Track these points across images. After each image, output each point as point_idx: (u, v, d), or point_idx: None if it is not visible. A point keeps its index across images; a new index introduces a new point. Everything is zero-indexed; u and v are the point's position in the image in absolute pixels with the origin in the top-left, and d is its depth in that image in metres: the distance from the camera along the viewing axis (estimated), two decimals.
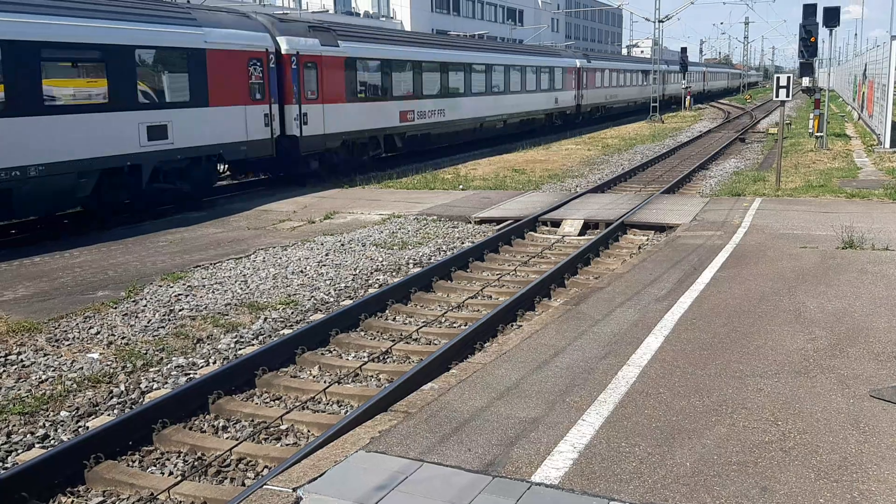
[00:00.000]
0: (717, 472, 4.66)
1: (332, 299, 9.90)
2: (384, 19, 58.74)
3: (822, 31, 24.71)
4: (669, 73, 63.96)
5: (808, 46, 23.48)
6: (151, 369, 7.62)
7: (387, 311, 9.50)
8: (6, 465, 5.89)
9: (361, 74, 21.79)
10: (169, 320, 8.90)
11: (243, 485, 5.64)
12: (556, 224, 14.37)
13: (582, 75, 41.40)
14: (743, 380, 6.10)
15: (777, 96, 16.69)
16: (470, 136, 29.24)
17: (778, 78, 16.68)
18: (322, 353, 8.19)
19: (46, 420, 6.57)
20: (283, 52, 18.67)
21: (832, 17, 24.27)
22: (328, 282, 10.55)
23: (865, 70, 36.35)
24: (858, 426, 5.26)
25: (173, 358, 7.90)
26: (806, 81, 41.66)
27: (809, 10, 23.25)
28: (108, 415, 6.70)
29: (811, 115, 29.14)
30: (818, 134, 27.16)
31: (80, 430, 6.43)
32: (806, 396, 5.77)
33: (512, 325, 8.92)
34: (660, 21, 51.95)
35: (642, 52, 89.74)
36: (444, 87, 26.61)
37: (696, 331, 7.31)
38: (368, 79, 22.22)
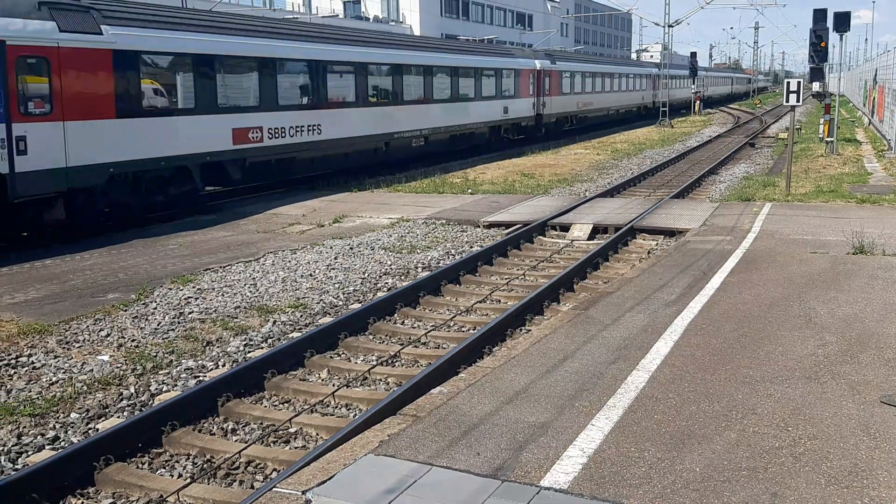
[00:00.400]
0: (727, 478, 4.64)
1: (340, 303, 9.91)
2: (393, 24, 58.91)
3: (833, 36, 24.55)
4: (666, 77, 58.24)
5: (819, 51, 23.40)
6: (161, 372, 7.65)
7: (395, 315, 9.50)
8: (17, 467, 5.91)
9: (152, 76, 15.05)
10: (179, 323, 8.93)
11: (252, 487, 5.65)
12: (566, 228, 14.36)
13: (543, 79, 33.73)
14: (753, 385, 6.08)
15: (787, 101, 16.65)
16: (368, 159, 22.26)
17: (788, 83, 16.64)
18: (331, 357, 8.20)
19: (57, 422, 6.60)
20: None
21: (842, 21, 24.20)
22: (337, 285, 10.57)
23: (876, 75, 36.24)
24: (869, 432, 5.23)
25: (183, 360, 7.92)
26: (816, 86, 41.46)
27: (820, 15, 23.16)
28: (118, 417, 6.72)
29: (821, 120, 29.07)
30: (828, 139, 27.08)
31: (90, 431, 6.46)
32: (816, 402, 5.74)
33: (521, 330, 8.92)
34: (669, 26, 51.86)
35: (651, 56, 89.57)
36: (322, 95, 19.59)
37: (705, 336, 7.29)
38: (168, 83, 15.47)
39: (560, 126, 37.32)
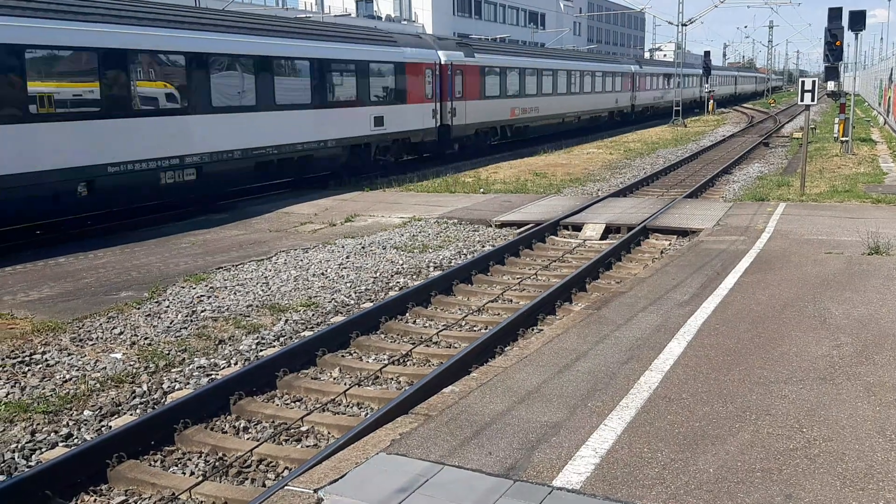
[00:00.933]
0: (740, 479, 4.61)
1: (352, 301, 9.91)
2: (405, 23, 58.95)
3: (848, 35, 24.31)
4: (648, 75, 49.47)
5: (834, 50, 23.22)
6: (174, 370, 7.67)
7: (407, 314, 9.50)
8: (30, 464, 5.94)
9: None
10: (191, 321, 8.95)
11: (264, 485, 5.65)
12: (578, 228, 14.31)
13: (452, 77, 25.20)
14: (767, 386, 6.04)
15: (802, 100, 16.54)
16: (33, 213, 13.63)
17: (803, 82, 16.53)
18: (342, 356, 8.20)
19: (70, 419, 6.63)
20: None
21: (858, 20, 24.00)
22: (349, 284, 10.57)
23: (892, 74, 35.97)
24: (885, 434, 5.18)
25: (195, 358, 7.94)
26: (831, 86, 41.07)
27: (835, 14, 23.00)
28: (131, 414, 6.74)
29: (836, 120, 28.87)
30: (843, 139, 26.90)
31: (103, 429, 6.48)
32: (831, 403, 5.70)
33: (533, 330, 8.89)
34: (683, 24, 51.67)
35: (665, 55, 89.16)
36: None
37: (719, 336, 7.25)
38: None
39: (484, 140, 28.43)
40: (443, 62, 24.83)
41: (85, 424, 6.54)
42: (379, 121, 21.47)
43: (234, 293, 10.05)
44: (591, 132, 39.28)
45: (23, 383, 7.20)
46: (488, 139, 28.98)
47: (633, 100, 46.49)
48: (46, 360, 7.75)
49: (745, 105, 78.51)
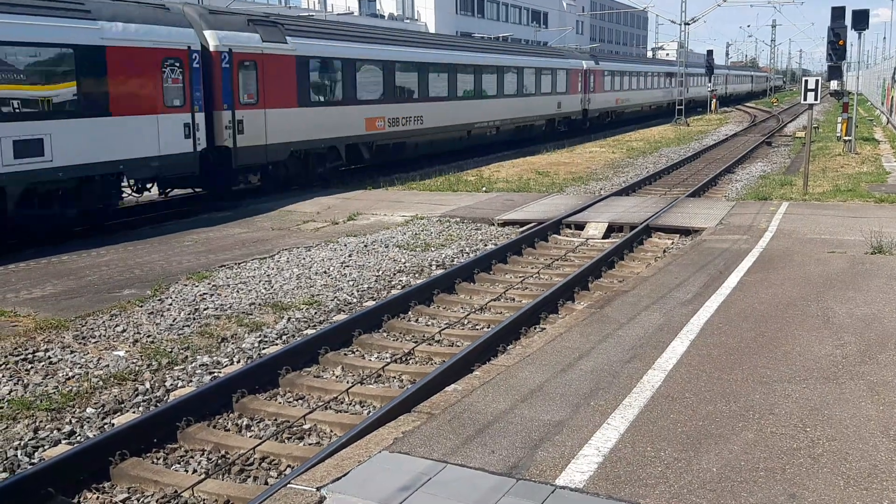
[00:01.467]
0: (744, 479, 4.60)
1: (355, 300, 9.91)
2: (409, 21, 58.96)
3: (851, 34, 24.26)
4: (608, 73, 39.42)
5: (837, 49, 23.20)
6: (176, 367, 7.67)
7: (409, 313, 9.49)
8: (33, 461, 5.95)
9: None
10: (194, 319, 8.95)
11: (266, 483, 5.65)
12: (580, 227, 14.30)
13: (234, 75, 16.30)
14: (770, 385, 6.03)
15: (805, 99, 16.51)
16: None
17: (806, 81, 16.50)
18: (345, 354, 8.20)
19: (73, 416, 6.63)
20: None
21: (861, 19, 23.95)
22: (351, 282, 10.57)
23: (895, 73, 35.91)
24: (889, 433, 5.17)
25: (198, 356, 7.94)
26: (834, 85, 40.99)
27: (838, 13, 22.98)
28: (134, 412, 6.74)
29: (839, 119, 28.83)
30: (846, 138, 26.86)
31: (105, 426, 6.48)
32: (835, 403, 5.69)
33: (535, 328, 8.88)
34: (685, 23, 51.61)
35: (668, 54, 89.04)
36: None
37: (722, 335, 7.24)
38: None
39: (315, 166, 19.35)
40: (212, 49, 15.82)
41: (87, 422, 6.55)
42: (30, 148, 12.23)
43: (237, 291, 10.05)
44: (519, 146, 30.04)
45: (26, 380, 7.20)
46: (325, 164, 19.64)
47: (585, 103, 36.64)
48: (49, 357, 7.76)
49: (747, 105, 78.38)
